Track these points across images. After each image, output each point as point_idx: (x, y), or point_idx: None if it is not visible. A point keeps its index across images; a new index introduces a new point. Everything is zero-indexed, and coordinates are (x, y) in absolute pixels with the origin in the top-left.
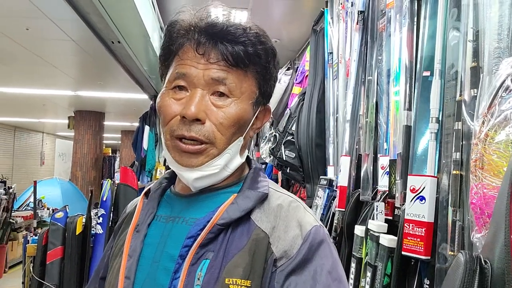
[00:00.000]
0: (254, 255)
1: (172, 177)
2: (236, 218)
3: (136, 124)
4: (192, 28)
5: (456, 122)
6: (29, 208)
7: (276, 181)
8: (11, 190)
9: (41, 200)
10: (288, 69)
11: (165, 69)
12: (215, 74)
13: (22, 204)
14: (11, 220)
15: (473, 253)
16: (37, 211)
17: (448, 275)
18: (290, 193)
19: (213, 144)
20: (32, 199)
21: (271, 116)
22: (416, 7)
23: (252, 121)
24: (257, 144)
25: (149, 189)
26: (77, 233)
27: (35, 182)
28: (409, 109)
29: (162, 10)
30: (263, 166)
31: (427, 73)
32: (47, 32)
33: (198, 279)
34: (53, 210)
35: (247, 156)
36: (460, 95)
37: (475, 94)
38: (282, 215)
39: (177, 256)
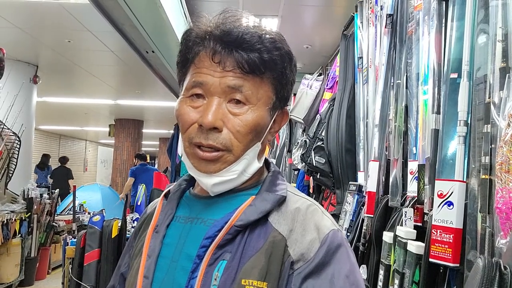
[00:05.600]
0: (271, 257)
1: (191, 179)
2: (254, 220)
3: (172, 131)
4: (208, 36)
5: (485, 125)
6: (71, 212)
7: (308, 187)
8: (54, 195)
9: (82, 204)
10: (320, 75)
11: (182, 76)
12: (231, 82)
13: (65, 209)
14: (54, 223)
15: (494, 259)
16: (78, 215)
17: (468, 281)
18: (308, 197)
19: (230, 151)
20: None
21: (303, 122)
22: (444, 9)
23: (270, 125)
24: (289, 151)
25: (169, 190)
26: (113, 236)
27: (74, 187)
28: (438, 112)
29: (194, 19)
30: (296, 172)
31: (454, 75)
32: (88, 43)
33: (215, 279)
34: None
35: (266, 160)
36: (489, 97)
37: (504, 96)
38: (300, 218)
39: (195, 256)
